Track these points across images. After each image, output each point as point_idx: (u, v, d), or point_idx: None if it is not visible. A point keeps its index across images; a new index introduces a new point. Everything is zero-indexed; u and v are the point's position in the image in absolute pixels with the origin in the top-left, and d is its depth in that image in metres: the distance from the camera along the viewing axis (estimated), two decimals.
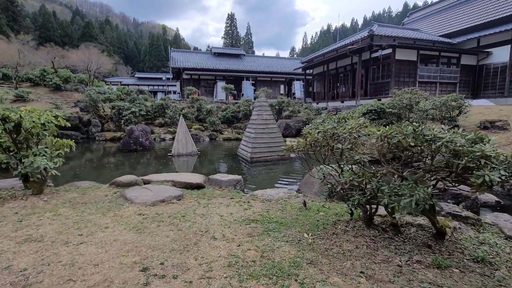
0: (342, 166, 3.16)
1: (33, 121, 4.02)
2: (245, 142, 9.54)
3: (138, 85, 41.99)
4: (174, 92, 34.35)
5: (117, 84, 34.40)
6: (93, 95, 15.73)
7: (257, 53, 68.52)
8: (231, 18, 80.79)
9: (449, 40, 16.51)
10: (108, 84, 32.94)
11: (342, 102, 17.90)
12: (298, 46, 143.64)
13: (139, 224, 3.16)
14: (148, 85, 46.17)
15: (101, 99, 16.37)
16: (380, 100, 14.03)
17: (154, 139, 14.91)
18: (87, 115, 16.96)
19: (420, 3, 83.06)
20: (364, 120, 2.97)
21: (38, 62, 27.65)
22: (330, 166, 3.27)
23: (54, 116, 4.48)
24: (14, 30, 46.43)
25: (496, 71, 14.86)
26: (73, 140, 5.20)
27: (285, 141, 9.98)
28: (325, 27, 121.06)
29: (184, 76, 26.14)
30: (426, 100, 8.32)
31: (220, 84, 24.23)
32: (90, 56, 24.67)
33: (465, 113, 8.52)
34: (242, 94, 25.57)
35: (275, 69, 29.77)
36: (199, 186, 5.24)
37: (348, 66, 17.99)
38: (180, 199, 4.21)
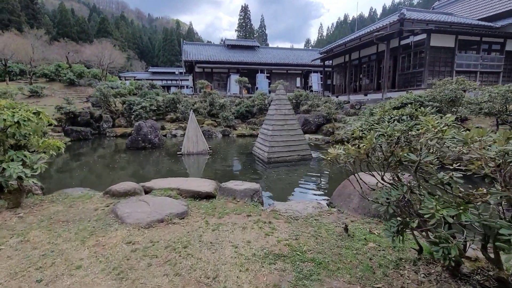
0: (411, 185, 2.15)
1: (4, 120, 3.24)
2: (261, 140, 8.58)
3: (152, 79, 41.76)
4: (187, 87, 33.81)
5: (131, 79, 34.25)
6: (104, 89, 15.25)
7: (271, 46, 66.48)
8: (244, 10, 79.17)
9: (490, 24, 14.63)
10: (122, 79, 32.84)
11: (366, 95, 16.47)
12: (313, 38, 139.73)
13: (123, 261, 2.30)
14: (162, 80, 46.03)
15: (111, 93, 15.88)
16: (410, 92, 12.61)
17: (165, 135, 14.27)
18: (98, 111, 16.59)
19: None
20: (453, 118, 1.93)
21: (54, 57, 27.80)
22: (393, 184, 2.27)
23: (34, 113, 3.69)
24: (33, 27, 47.53)
25: None
26: (82, 137, 4.44)
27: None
28: (342, 18, 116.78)
29: (197, 70, 25.39)
30: (476, 90, 6.99)
31: (234, 78, 23.29)
32: (102, 50, 24.38)
33: None
34: (257, 88, 24.53)
35: (291, 61, 28.41)
36: (208, 196, 4.38)
37: (373, 55, 16.48)
38: (183, 217, 3.34)
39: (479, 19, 16.02)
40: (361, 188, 2.75)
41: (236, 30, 79.39)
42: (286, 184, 5.99)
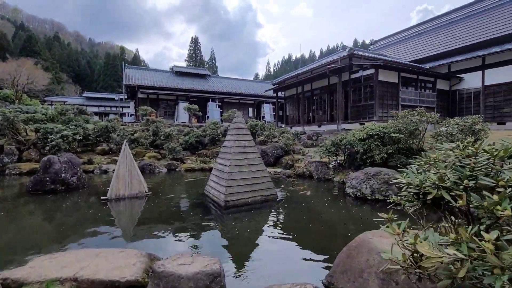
0: None
1: None
2: (216, 177, 6.95)
3: (87, 105, 37.05)
4: (129, 114, 30.50)
5: (59, 104, 29.42)
6: (9, 113, 11.90)
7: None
8: (195, 41, 79.98)
9: (421, 66, 16.46)
10: (43, 103, 27.96)
11: (320, 126, 16.46)
12: (261, 73, 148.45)
13: None
14: (99, 106, 41.36)
15: (21, 119, 12.51)
16: (363, 124, 12.76)
17: (92, 171, 11.44)
18: (1, 140, 12.85)
19: (367, 41, 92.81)
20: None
21: None
22: None
23: None
24: None
25: (470, 96, 14.87)
26: None
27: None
28: (286, 57, 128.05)
29: (140, 95, 22.92)
30: (435, 123, 6.87)
31: (182, 105, 21.52)
32: (19, 68, 20.19)
33: (484, 139, 7.23)
34: (207, 117, 23.09)
35: (243, 91, 28.15)
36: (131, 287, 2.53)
37: (325, 88, 16.87)
38: None
39: (410, 61, 18.05)
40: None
41: (186, 60, 78.94)
42: (253, 240, 4.40)
